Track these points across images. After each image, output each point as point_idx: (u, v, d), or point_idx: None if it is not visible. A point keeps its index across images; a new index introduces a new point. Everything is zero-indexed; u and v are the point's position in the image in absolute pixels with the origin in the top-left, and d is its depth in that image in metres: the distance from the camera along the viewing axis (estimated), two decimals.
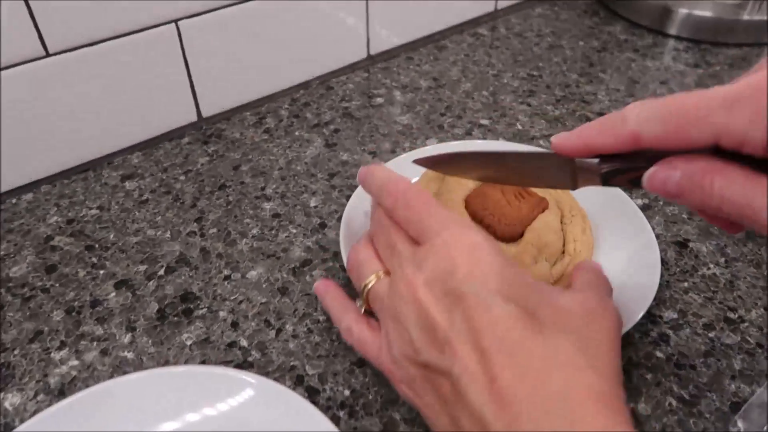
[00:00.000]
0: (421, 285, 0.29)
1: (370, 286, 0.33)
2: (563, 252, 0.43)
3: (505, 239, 0.41)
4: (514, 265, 0.30)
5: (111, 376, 0.38)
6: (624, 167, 0.28)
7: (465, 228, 0.30)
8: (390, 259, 0.33)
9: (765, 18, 0.70)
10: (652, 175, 0.26)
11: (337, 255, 0.45)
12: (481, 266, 0.29)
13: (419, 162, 0.38)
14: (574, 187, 0.31)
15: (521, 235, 0.42)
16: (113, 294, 0.43)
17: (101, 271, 0.45)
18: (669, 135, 0.25)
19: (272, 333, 0.40)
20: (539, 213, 0.43)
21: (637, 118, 0.26)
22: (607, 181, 0.29)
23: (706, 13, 0.71)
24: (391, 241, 0.33)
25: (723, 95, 0.23)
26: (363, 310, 0.35)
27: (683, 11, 0.72)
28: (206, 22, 0.54)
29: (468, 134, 0.58)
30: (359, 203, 0.46)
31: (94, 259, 0.46)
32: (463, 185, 0.42)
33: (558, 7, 0.81)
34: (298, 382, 0.37)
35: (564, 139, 0.29)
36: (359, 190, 0.47)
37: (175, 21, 0.52)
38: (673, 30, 0.73)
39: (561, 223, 0.44)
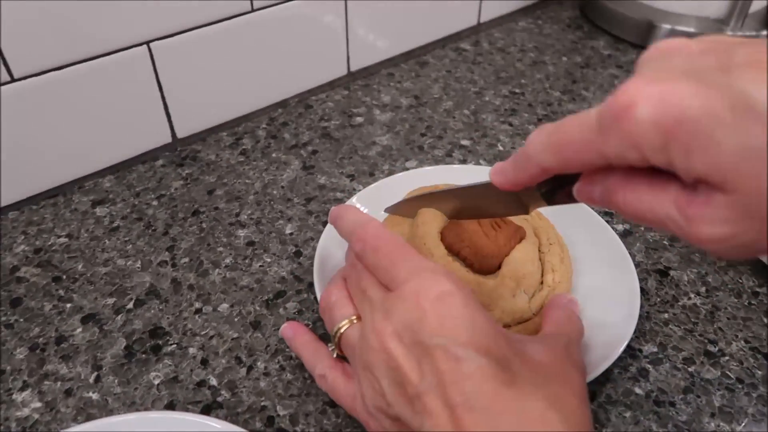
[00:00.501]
0: (389, 335, 0.28)
1: (342, 331, 0.32)
2: (541, 283, 0.42)
3: (482, 272, 0.41)
4: (485, 315, 0.29)
5: (75, 419, 0.37)
6: (556, 185, 0.29)
7: (435, 275, 0.29)
8: (361, 304, 0.32)
9: (747, 34, 0.70)
10: (578, 190, 0.26)
11: (311, 286, 0.44)
12: (451, 317, 0.28)
13: (388, 210, 0.38)
14: (527, 212, 0.33)
15: (499, 267, 0.41)
16: (79, 329, 0.42)
17: (68, 305, 0.43)
18: (566, 164, 0.25)
19: (243, 371, 0.39)
20: (516, 243, 0.42)
21: (536, 153, 0.26)
22: (550, 200, 0.30)
23: (690, 29, 0.71)
24: (361, 286, 0.32)
25: (593, 121, 0.23)
26: (335, 354, 0.34)
27: (666, 27, 0.71)
28: (179, 43, 0.53)
29: (448, 155, 0.57)
30: (335, 232, 0.44)
31: (61, 292, 0.44)
32: (439, 217, 0.42)
33: (541, 20, 0.80)
34: (269, 424, 0.36)
35: (497, 179, 0.29)
36: None
37: (147, 42, 0.51)
38: None
39: (539, 251, 0.43)
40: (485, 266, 0.40)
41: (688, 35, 0.71)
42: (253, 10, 0.56)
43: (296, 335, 0.37)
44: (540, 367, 0.28)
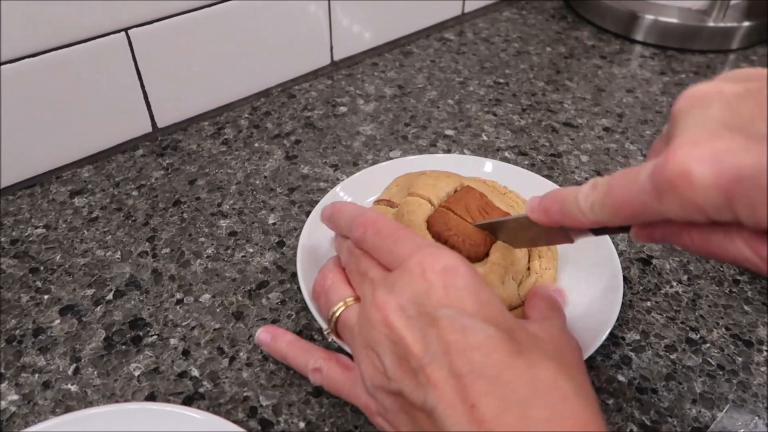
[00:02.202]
0: (393, 309, 0.28)
1: (339, 313, 0.32)
2: (528, 269, 0.42)
3: (470, 259, 0.40)
4: (489, 288, 0.29)
5: (53, 412, 0.36)
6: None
7: (438, 249, 0.29)
8: (361, 285, 0.31)
9: (729, 25, 0.70)
10: (637, 234, 0.27)
11: (294, 276, 0.44)
12: (457, 288, 0.28)
13: None
14: (572, 241, 0.33)
15: (487, 255, 0.41)
16: (58, 321, 0.41)
17: (46, 296, 0.43)
18: (623, 221, 0.25)
19: (225, 361, 0.39)
20: None
21: (593, 211, 0.26)
22: (596, 232, 0.30)
23: (672, 20, 0.71)
24: (362, 269, 0.31)
25: (647, 185, 0.23)
26: (331, 339, 0.34)
27: (649, 17, 0.71)
28: (158, 30, 0.52)
29: (432, 145, 0.57)
30: (319, 222, 0.44)
31: (39, 283, 0.43)
32: (424, 206, 0.41)
33: (525, 11, 0.80)
34: (251, 415, 0.36)
35: (541, 218, 0.29)
36: (318, 207, 0.45)
37: (125, 29, 0.50)
38: (639, 36, 0.73)
39: None
40: (473, 254, 0.40)
41: (671, 26, 0.72)
42: None
43: (276, 337, 0.36)
44: (543, 341, 0.28)
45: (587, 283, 0.41)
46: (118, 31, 0.50)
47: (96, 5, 0.48)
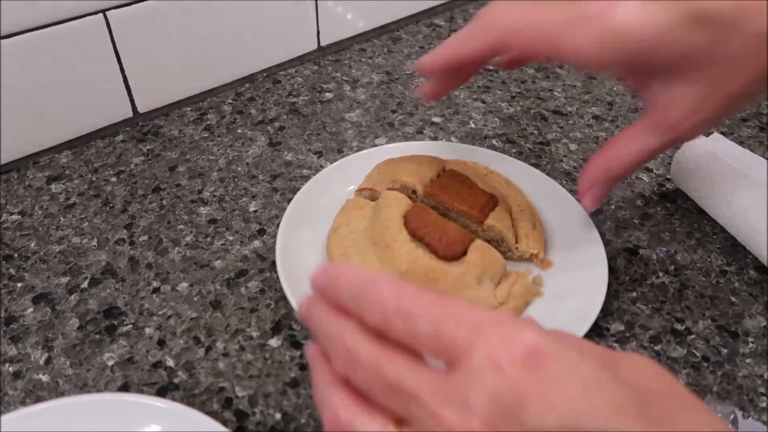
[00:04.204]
0: (480, 429, 0.20)
1: None
2: (517, 248, 0.42)
3: (447, 258, 0.39)
4: (588, 358, 0.21)
5: (23, 402, 0.35)
6: None
7: (505, 326, 0.21)
8: (402, 406, 0.22)
9: None
10: None
11: (274, 265, 0.43)
12: (555, 381, 0.20)
13: None
14: None
15: (464, 254, 0.39)
16: (30, 309, 0.40)
17: (19, 284, 0.42)
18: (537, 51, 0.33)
19: (201, 351, 0.38)
20: (490, 210, 0.42)
21: (509, 28, 0.32)
22: None
23: None
24: (388, 381, 0.22)
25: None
26: None
27: None
28: (138, 12, 0.51)
29: (419, 133, 0.56)
30: (299, 209, 0.43)
31: (12, 271, 0.42)
32: (402, 200, 0.40)
33: None
34: (226, 405, 0.35)
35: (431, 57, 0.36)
36: (300, 195, 0.44)
37: (103, 11, 0.49)
38: None
39: (510, 218, 0.43)
40: (450, 252, 0.39)
41: None
42: None
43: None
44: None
45: (572, 272, 0.41)
46: (96, 13, 0.48)
47: None
